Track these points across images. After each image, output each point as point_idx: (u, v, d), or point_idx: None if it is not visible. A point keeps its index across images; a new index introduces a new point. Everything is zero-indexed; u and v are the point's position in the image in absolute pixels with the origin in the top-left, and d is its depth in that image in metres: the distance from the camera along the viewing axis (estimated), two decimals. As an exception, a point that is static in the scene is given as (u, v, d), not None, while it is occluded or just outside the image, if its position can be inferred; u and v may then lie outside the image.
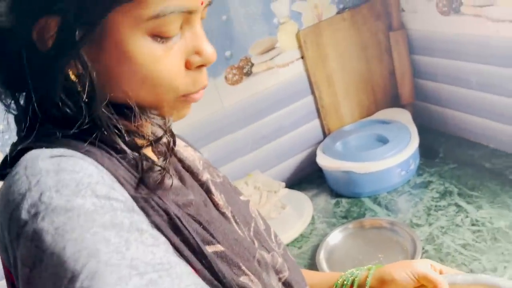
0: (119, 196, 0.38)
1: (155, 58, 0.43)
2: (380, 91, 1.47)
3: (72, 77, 0.43)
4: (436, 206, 1.12)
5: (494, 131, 1.24)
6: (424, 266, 0.63)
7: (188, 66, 0.46)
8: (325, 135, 1.43)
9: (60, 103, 0.43)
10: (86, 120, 0.43)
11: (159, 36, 0.43)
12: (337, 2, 1.35)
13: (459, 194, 1.13)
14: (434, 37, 1.31)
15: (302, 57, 1.34)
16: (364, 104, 1.46)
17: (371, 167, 1.20)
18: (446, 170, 1.24)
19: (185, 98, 0.47)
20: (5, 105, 0.48)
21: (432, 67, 1.37)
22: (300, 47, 1.32)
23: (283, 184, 1.32)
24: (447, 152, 1.32)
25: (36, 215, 0.35)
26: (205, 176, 0.55)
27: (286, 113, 1.37)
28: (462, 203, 1.10)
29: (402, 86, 1.45)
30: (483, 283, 0.59)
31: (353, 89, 1.42)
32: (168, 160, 0.48)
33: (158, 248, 0.36)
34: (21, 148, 0.42)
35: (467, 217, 1.05)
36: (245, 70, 1.27)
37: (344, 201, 1.26)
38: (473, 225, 1.02)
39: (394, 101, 1.49)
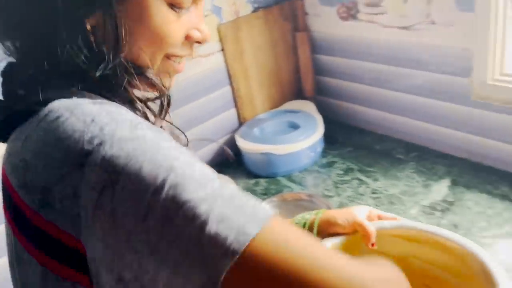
0: (163, 131, 0.44)
1: (168, 21, 0.50)
2: (287, 85, 1.64)
3: (89, 27, 0.46)
4: (341, 180, 1.31)
5: (382, 120, 1.49)
6: (362, 214, 0.73)
7: (188, 38, 0.54)
8: (240, 123, 1.55)
9: (76, 54, 0.46)
10: (105, 70, 0.47)
11: (174, 5, 0.51)
12: (252, 2, 1.48)
13: (359, 171, 1.34)
14: (334, 38, 1.52)
15: (222, 50, 1.44)
16: (274, 96, 1.61)
17: (287, 149, 1.35)
18: (345, 152, 1.45)
19: (171, 62, 0.55)
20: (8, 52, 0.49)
21: (331, 65, 1.58)
22: (220, 40, 1.42)
23: (205, 167, 1.40)
24: (345, 138, 1.53)
25: (101, 144, 0.37)
26: None
27: (206, 102, 1.46)
28: (362, 177, 1.31)
29: (305, 81, 1.65)
30: (405, 226, 0.73)
31: (265, 82, 1.57)
32: (164, 116, 0.55)
33: (207, 167, 0.41)
34: (40, 100, 0.43)
35: (367, 187, 1.25)
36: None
37: (262, 181, 1.39)
38: (373, 193, 1.23)
39: (299, 94, 1.67)
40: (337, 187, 1.29)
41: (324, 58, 1.59)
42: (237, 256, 0.35)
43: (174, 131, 0.59)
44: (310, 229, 0.74)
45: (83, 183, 0.37)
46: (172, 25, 0.51)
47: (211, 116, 1.49)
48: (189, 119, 1.43)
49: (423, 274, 0.70)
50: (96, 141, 0.38)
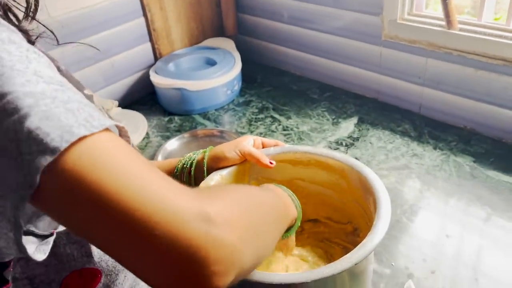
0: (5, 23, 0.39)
1: None
2: (207, 21, 1.58)
3: None
4: (256, 118, 1.31)
5: (300, 61, 1.49)
6: (248, 144, 0.73)
7: None
8: (156, 58, 1.48)
9: None
10: None
11: None
12: None
13: (274, 109, 1.34)
14: (256, -26, 1.47)
15: (135, -23, 1.34)
16: (193, 32, 1.55)
17: (202, 85, 1.32)
18: (263, 92, 1.45)
19: None
20: None
21: (252, 2, 1.53)
22: (133, -35, 1.32)
23: (116, 102, 1.33)
24: (263, 79, 1.52)
25: None
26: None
27: (117, 33, 1.37)
28: (276, 115, 1.31)
29: (227, 18, 1.59)
30: (289, 150, 0.74)
31: (184, 16, 1.50)
32: (33, 17, 0.50)
33: (52, 70, 0.37)
34: None
35: (279, 125, 1.26)
36: (74, -18, 1.22)
37: (176, 118, 1.35)
38: (284, 130, 1.24)
39: (220, 32, 1.62)
40: (250, 125, 1.28)
41: (245, -5, 1.54)
42: (57, 155, 0.31)
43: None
44: (200, 167, 0.72)
45: None
46: None
47: (124, 48, 1.40)
48: (100, 51, 1.34)
49: (308, 193, 0.72)
50: None
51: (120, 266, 0.54)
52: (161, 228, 0.31)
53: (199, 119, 1.34)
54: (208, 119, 1.34)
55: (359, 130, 1.19)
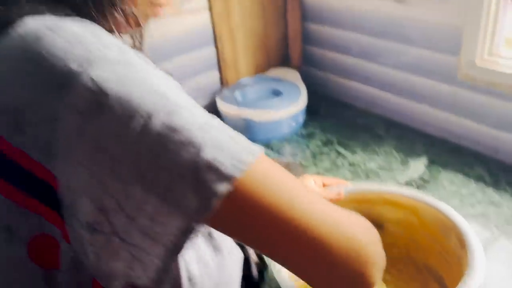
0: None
1: None
2: (273, 51, 1.60)
3: None
4: (320, 151, 1.30)
5: (366, 94, 1.48)
6: (311, 184, 0.74)
7: None
8: (222, 86, 1.51)
9: None
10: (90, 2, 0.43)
11: None
12: (244, -40, 1.42)
13: (338, 143, 1.33)
14: (325, 7, 1.48)
15: (210, 9, 1.38)
16: (259, 61, 1.57)
17: (267, 116, 1.33)
18: (327, 124, 1.44)
19: (153, 6, 0.52)
20: None
21: (320, 35, 1.54)
22: (208, -3, 1.37)
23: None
24: (327, 111, 1.51)
25: (90, 65, 0.34)
26: None
27: (188, 60, 1.41)
28: (341, 149, 1.30)
29: (293, 49, 1.61)
30: (351, 188, 0.73)
31: (251, 46, 1.52)
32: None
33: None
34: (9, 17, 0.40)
35: (345, 160, 1.25)
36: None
37: (240, 146, 1.37)
38: (350, 165, 1.22)
39: (285, 62, 1.63)
40: (315, 158, 1.27)
41: (313, 27, 1.55)
42: (232, 182, 0.34)
43: None
44: None
45: (64, 105, 0.34)
46: None
47: (193, 75, 1.44)
48: (172, 75, 1.38)
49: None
50: (84, 62, 0.35)
51: None
52: (337, 248, 0.37)
53: (262, 149, 1.35)
54: (272, 149, 1.34)
55: (430, 171, 1.15)
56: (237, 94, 1.42)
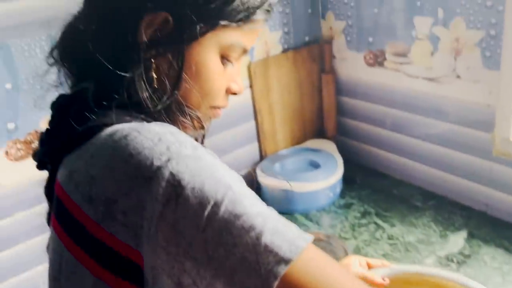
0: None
1: (218, 72, 0.55)
2: (309, 124, 1.68)
3: (154, 66, 0.51)
4: (359, 223, 1.33)
5: (401, 165, 1.52)
6: (356, 266, 0.76)
7: (227, 90, 0.59)
8: (261, 157, 1.58)
9: (141, 89, 0.50)
10: (163, 104, 0.51)
11: (225, 58, 0.55)
12: (282, 42, 1.54)
13: (376, 215, 1.36)
14: (359, 82, 1.56)
15: (251, 86, 1.49)
16: (296, 133, 1.65)
17: (306, 187, 1.38)
18: (363, 194, 1.47)
19: (213, 109, 0.60)
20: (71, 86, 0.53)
21: (354, 108, 1.62)
22: (250, 76, 1.48)
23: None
24: (363, 180, 1.55)
25: (169, 160, 0.41)
26: None
27: (230, 134, 1.50)
28: (379, 221, 1.32)
29: (328, 122, 1.68)
30: (396, 271, 0.75)
31: (289, 119, 1.61)
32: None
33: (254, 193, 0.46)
34: (101, 124, 0.47)
35: (384, 232, 1.27)
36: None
37: (279, 216, 1.41)
38: (389, 239, 1.24)
39: (320, 133, 1.71)
40: (353, 230, 1.30)
41: (347, 100, 1.63)
42: (290, 264, 0.38)
43: None
44: None
45: (149, 195, 0.40)
46: (220, 76, 0.56)
47: (234, 148, 1.53)
48: (212, 150, 1.46)
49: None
50: (164, 158, 0.41)
51: None
52: None
53: (301, 219, 1.39)
54: (310, 220, 1.38)
55: (470, 246, 1.16)
56: (276, 166, 1.48)
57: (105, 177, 0.43)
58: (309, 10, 1.57)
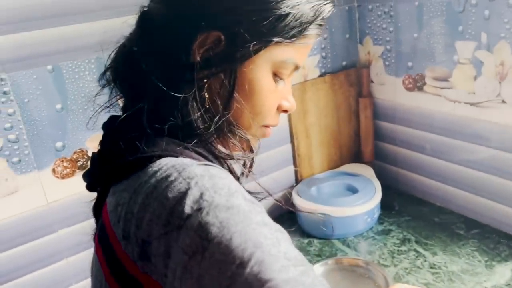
0: (256, 201, 0.46)
1: (270, 89, 0.56)
2: (346, 148, 1.67)
3: (206, 86, 0.51)
4: (398, 250, 1.29)
5: (442, 192, 1.47)
6: None
7: (278, 107, 0.59)
8: (297, 181, 1.58)
9: (193, 110, 0.50)
10: (215, 125, 0.51)
11: (277, 75, 0.56)
12: (320, 67, 1.55)
13: (416, 242, 1.32)
14: (397, 107, 1.55)
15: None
16: (332, 157, 1.64)
17: (344, 212, 1.36)
18: (402, 221, 1.44)
19: (263, 128, 0.60)
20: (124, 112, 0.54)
21: (392, 132, 1.60)
22: (287, 100, 1.49)
23: (261, 221, 1.42)
24: (402, 207, 1.52)
25: (200, 210, 0.40)
26: None
27: (266, 157, 1.50)
28: (420, 249, 1.28)
29: (365, 146, 1.67)
30: None
31: (325, 142, 1.60)
32: (248, 175, 0.60)
33: (294, 247, 0.43)
34: (149, 155, 0.47)
35: (425, 261, 1.23)
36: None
37: (315, 241, 1.39)
38: (431, 267, 1.20)
39: (357, 158, 1.69)
40: (393, 257, 1.27)
41: (385, 125, 1.62)
42: None
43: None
44: None
45: (176, 244, 0.40)
46: (272, 94, 0.56)
47: (270, 171, 1.53)
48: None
49: None
50: (195, 207, 0.41)
51: None
52: None
53: (338, 244, 1.36)
54: (348, 245, 1.35)
55: (519, 278, 1.11)
56: (313, 190, 1.47)
57: (143, 217, 0.43)
58: (347, 35, 1.58)
